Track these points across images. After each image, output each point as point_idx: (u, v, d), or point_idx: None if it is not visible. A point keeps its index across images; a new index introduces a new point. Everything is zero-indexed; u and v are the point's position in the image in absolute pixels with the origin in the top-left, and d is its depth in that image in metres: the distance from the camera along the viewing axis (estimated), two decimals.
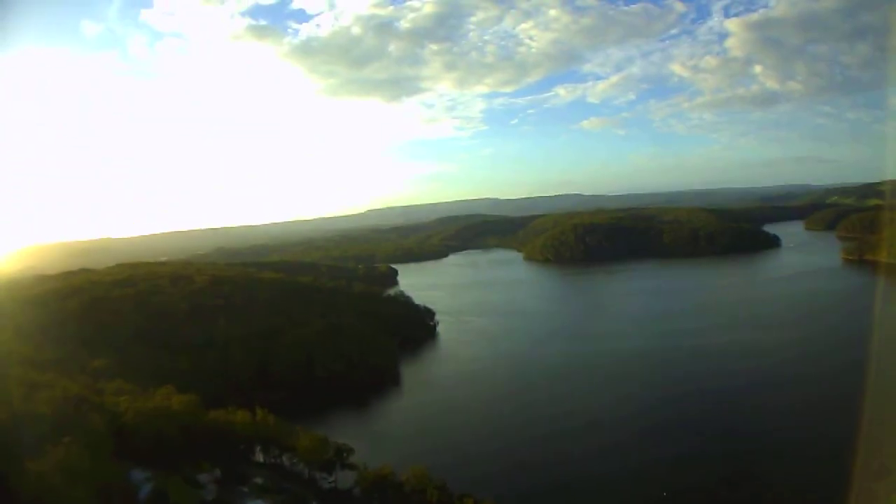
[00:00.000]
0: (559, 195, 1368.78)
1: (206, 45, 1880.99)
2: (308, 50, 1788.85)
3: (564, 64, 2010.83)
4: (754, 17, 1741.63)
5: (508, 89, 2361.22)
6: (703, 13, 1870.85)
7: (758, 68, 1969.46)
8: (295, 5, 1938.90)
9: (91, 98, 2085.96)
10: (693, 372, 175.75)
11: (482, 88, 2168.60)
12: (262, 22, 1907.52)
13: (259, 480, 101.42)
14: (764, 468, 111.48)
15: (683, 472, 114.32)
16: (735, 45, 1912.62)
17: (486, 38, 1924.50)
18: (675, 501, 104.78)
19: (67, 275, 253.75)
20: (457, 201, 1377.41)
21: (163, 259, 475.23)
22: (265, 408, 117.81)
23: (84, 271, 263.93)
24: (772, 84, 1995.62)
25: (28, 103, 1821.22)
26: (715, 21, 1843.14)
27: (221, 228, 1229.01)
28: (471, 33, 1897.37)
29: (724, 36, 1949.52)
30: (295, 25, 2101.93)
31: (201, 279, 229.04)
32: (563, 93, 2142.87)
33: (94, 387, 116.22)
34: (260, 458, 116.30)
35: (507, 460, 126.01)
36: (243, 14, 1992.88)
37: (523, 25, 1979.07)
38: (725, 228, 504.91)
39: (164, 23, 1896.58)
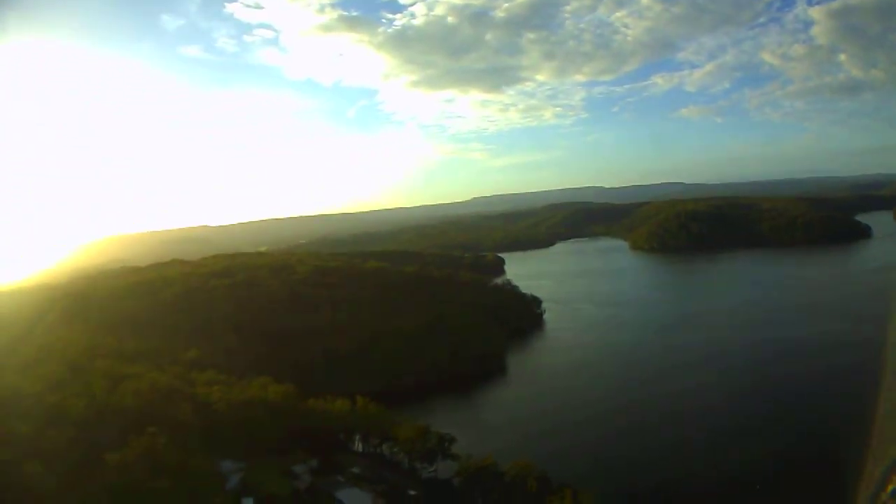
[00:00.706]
0: (661, 183, 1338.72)
1: (296, 37, 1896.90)
2: (404, 40, 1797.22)
3: (659, 52, 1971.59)
4: (835, 4, 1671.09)
5: (607, 78, 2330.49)
6: (787, 1, 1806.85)
7: (842, 56, 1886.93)
8: None
9: (179, 90, 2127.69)
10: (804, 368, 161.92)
11: (581, 77, 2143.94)
12: (354, 13, 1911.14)
13: (356, 470, 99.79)
14: None
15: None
16: (820, 33, 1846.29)
17: (581, 26, 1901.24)
18: None
19: (159, 266, 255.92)
20: (562, 189, 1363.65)
21: (262, 248, 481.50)
22: (366, 397, 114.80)
23: (177, 262, 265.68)
24: (856, 72, 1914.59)
25: (117, 96, 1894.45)
26: (799, 9, 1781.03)
27: (323, 216, 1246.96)
28: (567, 22, 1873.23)
29: (809, 24, 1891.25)
30: (388, 15, 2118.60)
31: (303, 269, 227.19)
32: (660, 81, 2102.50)
33: (186, 377, 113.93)
34: (359, 447, 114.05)
35: (610, 453, 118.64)
36: (334, 5, 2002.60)
37: (617, 14, 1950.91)
38: (820, 218, 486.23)
39: (251, 15, 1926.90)
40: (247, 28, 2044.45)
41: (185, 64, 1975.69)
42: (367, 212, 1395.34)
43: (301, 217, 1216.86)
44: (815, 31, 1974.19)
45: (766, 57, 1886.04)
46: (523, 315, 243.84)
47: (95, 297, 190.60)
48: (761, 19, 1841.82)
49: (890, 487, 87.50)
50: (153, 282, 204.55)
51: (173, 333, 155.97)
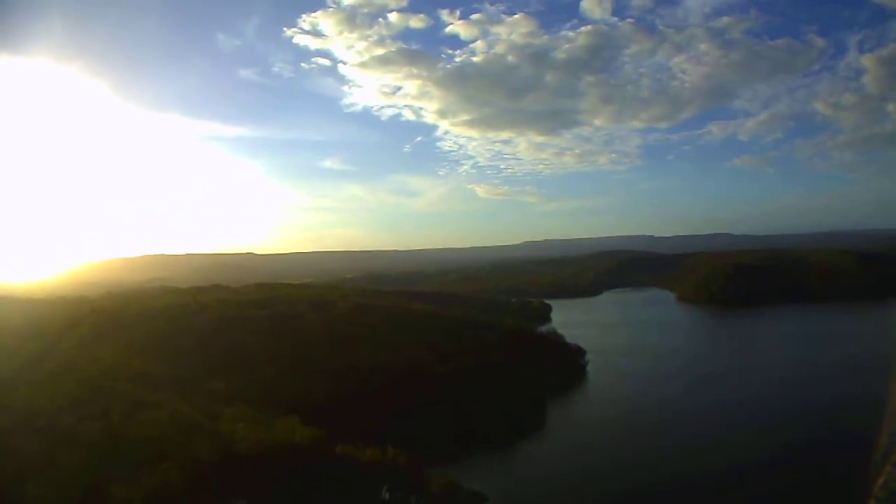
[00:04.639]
0: (711, 234, 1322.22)
1: (355, 68, 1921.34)
2: (463, 77, 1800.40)
3: (716, 99, 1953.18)
4: (885, 51, 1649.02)
5: (663, 125, 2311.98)
6: (840, 48, 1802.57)
7: (891, 106, 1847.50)
8: (448, 31, 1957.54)
9: (236, 113, 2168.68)
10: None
11: (637, 123, 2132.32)
12: (415, 46, 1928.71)
13: None
14: None
15: None
16: (870, 80, 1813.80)
17: (640, 71, 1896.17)
18: None
19: (198, 290, 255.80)
20: (612, 237, 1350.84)
21: (307, 280, 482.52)
22: (397, 443, 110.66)
23: (217, 287, 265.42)
24: None
25: (174, 115, 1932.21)
26: (852, 56, 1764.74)
27: (371, 252, 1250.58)
28: (626, 66, 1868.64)
29: (860, 72, 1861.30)
30: (448, 51, 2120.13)
31: (345, 305, 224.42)
32: (715, 129, 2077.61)
33: (210, 409, 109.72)
34: (386, 496, 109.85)
35: None
36: (394, 37, 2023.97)
37: (676, 59, 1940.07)
38: (868, 271, 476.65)
39: (309, 41, 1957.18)
40: (304, 55, 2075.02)
41: (240, 86, 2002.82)
42: (416, 250, 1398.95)
43: (349, 252, 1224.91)
44: (866, 78, 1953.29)
45: (819, 106, 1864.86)
46: (566, 366, 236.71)
47: (127, 314, 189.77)
48: (815, 67, 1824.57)
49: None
50: (188, 305, 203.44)
51: (203, 361, 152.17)
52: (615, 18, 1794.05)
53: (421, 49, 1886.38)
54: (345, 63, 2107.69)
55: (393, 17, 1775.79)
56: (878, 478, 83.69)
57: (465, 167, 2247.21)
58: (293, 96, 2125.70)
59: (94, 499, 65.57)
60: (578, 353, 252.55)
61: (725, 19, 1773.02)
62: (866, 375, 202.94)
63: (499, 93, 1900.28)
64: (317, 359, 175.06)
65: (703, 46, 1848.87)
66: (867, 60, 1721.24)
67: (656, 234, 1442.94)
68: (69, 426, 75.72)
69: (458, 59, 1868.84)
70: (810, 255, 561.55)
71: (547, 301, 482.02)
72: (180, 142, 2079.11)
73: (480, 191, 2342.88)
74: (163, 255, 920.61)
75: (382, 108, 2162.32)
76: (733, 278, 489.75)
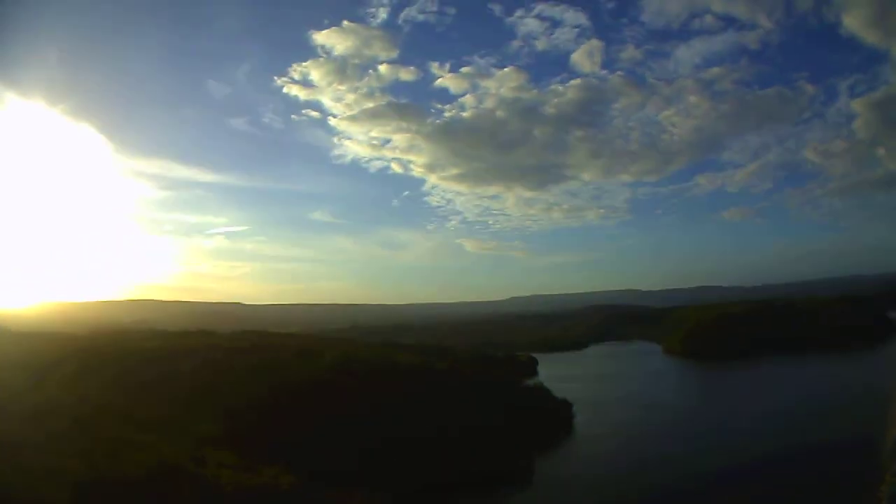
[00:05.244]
0: (700, 286, 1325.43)
1: (344, 120, 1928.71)
2: (452, 131, 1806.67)
3: (705, 152, 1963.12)
4: (877, 95, 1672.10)
5: (652, 178, 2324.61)
6: (831, 94, 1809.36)
7: (881, 150, 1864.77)
8: (437, 84, 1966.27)
9: (226, 162, 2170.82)
10: None
11: (626, 177, 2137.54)
12: (404, 100, 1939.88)
13: None
14: None
15: None
16: (861, 126, 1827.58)
17: (630, 124, 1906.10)
18: None
19: (185, 334, 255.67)
20: (599, 291, 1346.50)
21: (293, 330, 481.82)
22: (381, 490, 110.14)
23: (204, 333, 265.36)
24: (894, 166, 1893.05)
25: (164, 161, 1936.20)
26: (842, 102, 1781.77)
27: (357, 305, 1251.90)
28: (615, 119, 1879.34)
29: (851, 118, 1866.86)
30: (438, 105, 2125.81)
31: (331, 355, 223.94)
32: (703, 182, 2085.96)
33: (195, 454, 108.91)
34: None
35: None
36: (383, 90, 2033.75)
37: (665, 112, 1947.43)
38: (854, 318, 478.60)
39: (299, 92, 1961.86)
40: (294, 106, 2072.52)
41: (231, 135, 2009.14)
42: (403, 304, 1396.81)
43: (336, 304, 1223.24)
44: (857, 124, 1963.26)
45: (809, 154, 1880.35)
46: (553, 418, 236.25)
47: (115, 354, 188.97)
48: (806, 114, 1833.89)
49: None
50: (175, 349, 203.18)
51: (189, 406, 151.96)
52: (605, 71, 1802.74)
53: (410, 103, 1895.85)
54: (334, 116, 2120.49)
55: (383, 68, 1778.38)
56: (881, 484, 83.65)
57: (454, 222, 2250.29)
58: (283, 147, 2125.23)
59: None
60: (565, 405, 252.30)
61: (716, 70, 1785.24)
62: (859, 418, 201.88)
63: (487, 147, 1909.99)
64: (301, 409, 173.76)
65: (692, 98, 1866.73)
66: (858, 105, 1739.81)
67: (644, 288, 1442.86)
68: (53, 463, 75.24)
69: (447, 114, 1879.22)
70: (800, 303, 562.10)
71: (534, 354, 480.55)
72: (167, 188, 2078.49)
73: (468, 245, 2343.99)
74: (150, 300, 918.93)
75: (371, 160, 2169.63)
76: (721, 331, 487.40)
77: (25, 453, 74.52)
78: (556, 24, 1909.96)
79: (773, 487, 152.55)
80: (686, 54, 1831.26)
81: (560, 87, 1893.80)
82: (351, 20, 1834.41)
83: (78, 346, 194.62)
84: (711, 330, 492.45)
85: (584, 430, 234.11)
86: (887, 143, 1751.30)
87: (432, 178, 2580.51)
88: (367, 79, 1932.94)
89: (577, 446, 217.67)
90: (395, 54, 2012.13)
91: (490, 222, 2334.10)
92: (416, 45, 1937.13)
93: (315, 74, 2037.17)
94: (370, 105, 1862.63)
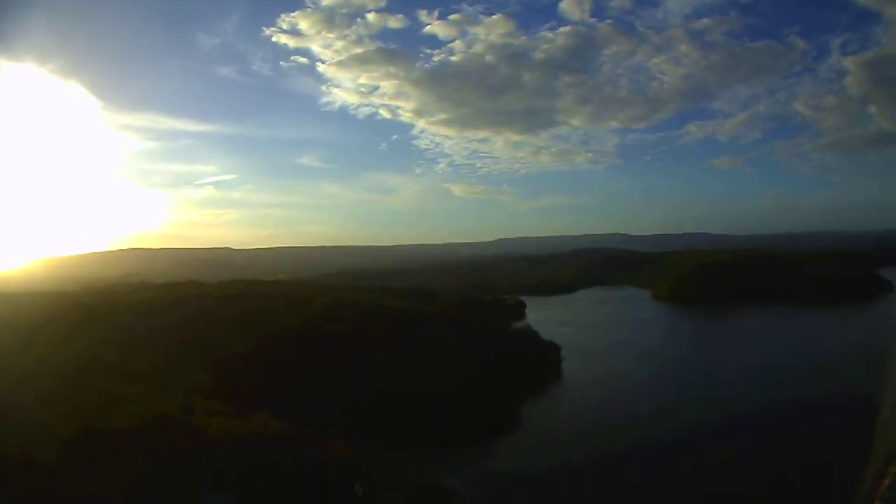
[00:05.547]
0: (689, 233, 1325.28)
1: (333, 67, 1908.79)
2: (440, 76, 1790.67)
3: (695, 100, 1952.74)
4: (869, 55, 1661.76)
5: (641, 125, 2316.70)
6: (823, 51, 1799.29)
7: (873, 108, 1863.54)
8: (426, 31, 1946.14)
9: (214, 111, 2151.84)
10: None
11: (615, 124, 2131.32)
12: (393, 45, 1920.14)
13: None
14: None
15: None
16: (853, 83, 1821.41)
17: (618, 71, 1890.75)
18: None
19: (175, 285, 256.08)
20: (588, 234, 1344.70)
21: (282, 276, 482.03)
22: (370, 437, 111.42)
23: (193, 283, 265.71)
24: (886, 124, 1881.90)
25: (153, 114, 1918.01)
26: (834, 59, 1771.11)
27: (345, 247, 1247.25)
28: (604, 66, 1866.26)
29: (842, 74, 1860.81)
30: (427, 51, 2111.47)
31: (319, 302, 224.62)
32: (694, 130, 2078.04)
33: (185, 404, 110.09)
34: (359, 491, 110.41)
35: None
36: (372, 37, 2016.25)
37: (655, 60, 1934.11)
38: (843, 273, 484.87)
39: (288, 40, 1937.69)
40: (283, 53, 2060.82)
41: (219, 84, 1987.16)
42: (391, 246, 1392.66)
43: (325, 248, 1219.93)
44: (849, 81, 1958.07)
45: (799, 107, 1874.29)
46: (542, 363, 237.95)
47: (104, 309, 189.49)
48: (796, 68, 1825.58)
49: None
50: (165, 300, 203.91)
51: (179, 357, 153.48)
52: (594, 19, 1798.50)
53: (398, 49, 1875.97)
54: (323, 62, 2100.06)
55: (371, 17, 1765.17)
56: (884, 479, 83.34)
57: (442, 165, 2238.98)
58: (272, 94, 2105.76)
59: (70, 495, 65.84)
60: (554, 350, 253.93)
61: (706, 21, 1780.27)
62: (842, 375, 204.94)
63: (476, 92, 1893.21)
64: (290, 357, 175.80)
65: (682, 48, 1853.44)
66: (850, 63, 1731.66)
67: (633, 233, 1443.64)
68: (45, 423, 75.85)
69: (435, 59, 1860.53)
70: (787, 254, 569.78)
71: (522, 298, 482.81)
72: (157, 139, 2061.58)
73: (456, 189, 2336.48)
74: (139, 249, 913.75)
75: (359, 106, 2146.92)
76: (710, 277, 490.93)
77: (15, 416, 75.03)
78: None
79: (759, 440, 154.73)
80: (676, 4, 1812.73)
81: (549, 34, 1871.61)
82: None
83: (68, 303, 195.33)
84: (700, 278, 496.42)
85: (571, 375, 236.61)
86: (880, 101, 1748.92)
87: (420, 123, 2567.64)
88: (355, 27, 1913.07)
89: (564, 391, 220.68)
90: (382, 3, 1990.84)
91: (478, 165, 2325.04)
92: None
93: (303, 24, 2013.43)
94: (359, 51, 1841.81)
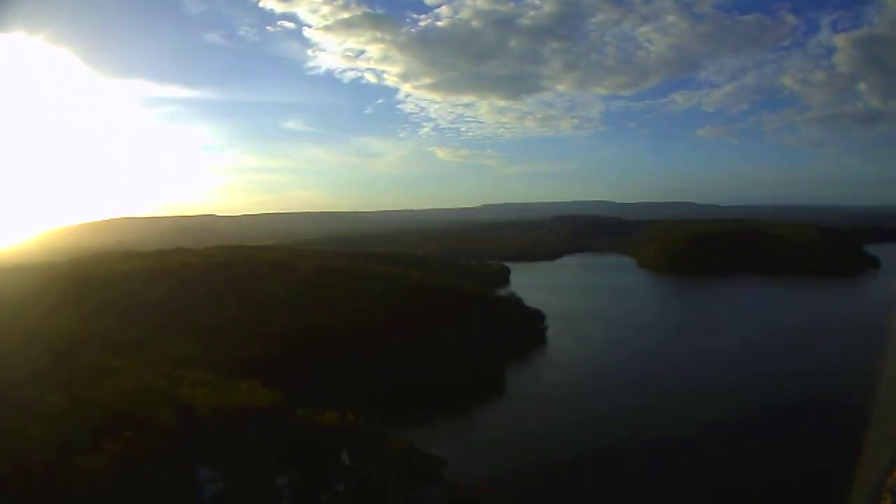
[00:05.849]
0: (675, 202, 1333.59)
1: (319, 31, 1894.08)
2: (426, 41, 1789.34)
3: (682, 70, 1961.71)
4: (859, 33, 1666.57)
5: (627, 93, 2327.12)
6: (812, 27, 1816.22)
7: (862, 85, 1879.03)
8: None
9: (200, 77, 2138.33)
10: None
11: (601, 91, 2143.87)
12: (379, 10, 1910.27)
13: (341, 487, 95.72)
14: None
15: None
16: (842, 60, 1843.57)
17: (605, 39, 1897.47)
18: None
19: (161, 253, 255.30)
20: (573, 201, 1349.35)
21: (268, 242, 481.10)
22: (356, 408, 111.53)
23: (180, 251, 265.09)
24: (875, 102, 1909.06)
25: (141, 81, 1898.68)
26: (823, 35, 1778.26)
27: (331, 213, 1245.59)
28: (591, 34, 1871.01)
29: (832, 51, 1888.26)
30: (413, 15, 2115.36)
31: (304, 268, 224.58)
32: (679, 99, 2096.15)
33: (172, 375, 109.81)
34: (346, 461, 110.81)
35: (608, 483, 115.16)
36: (359, 2, 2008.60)
37: (642, 29, 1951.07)
38: (828, 247, 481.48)
39: (274, 5, 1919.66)
40: (270, 18, 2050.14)
41: (205, 50, 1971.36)
42: (375, 211, 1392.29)
43: (310, 213, 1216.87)
44: (838, 58, 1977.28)
45: (787, 81, 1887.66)
46: (526, 330, 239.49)
47: (92, 281, 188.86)
48: (785, 42, 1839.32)
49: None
50: (151, 269, 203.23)
51: (166, 326, 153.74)
52: None
53: (385, 13, 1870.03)
54: (309, 26, 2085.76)
55: None
56: (893, 471, 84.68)
57: (426, 129, 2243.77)
58: (258, 59, 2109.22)
59: (58, 472, 65.87)
60: (538, 317, 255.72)
61: None
62: (821, 348, 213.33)
63: (462, 57, 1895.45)
64: (276, 325, 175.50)
65: (670, 18, 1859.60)
66: (840, 40, 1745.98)
67: (617, 200, 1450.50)
68: (34, 398, 75.64)
69: (422, 24, 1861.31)
70: (772, 227, 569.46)
71: (506, 264, 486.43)
72: (144, 106, 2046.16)
73: (441, 153, 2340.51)
74: (127, 217, 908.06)
75: (345, 71, 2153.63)
76: (694, 247, 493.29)
77: (7, 391, 74.82)
78: None
79: (738, 413, 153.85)
80: None
81: (536, 1, 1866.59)
82: None
83: (56, 276, 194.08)
84: (685, 247, 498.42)
85: (555, 342, 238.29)
86: (869, 78, 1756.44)
87: (406, 87, 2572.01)
88: None
89: (548, 358, 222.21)
90: None
91: (463, 130, 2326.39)
92: None
93: None
94: (346, 15, 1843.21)
